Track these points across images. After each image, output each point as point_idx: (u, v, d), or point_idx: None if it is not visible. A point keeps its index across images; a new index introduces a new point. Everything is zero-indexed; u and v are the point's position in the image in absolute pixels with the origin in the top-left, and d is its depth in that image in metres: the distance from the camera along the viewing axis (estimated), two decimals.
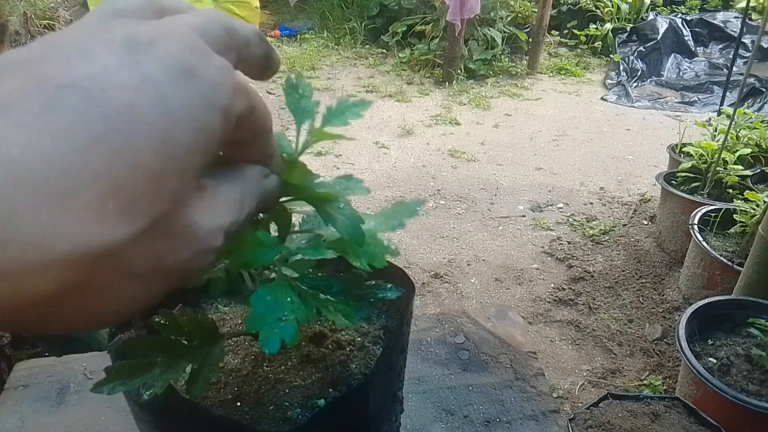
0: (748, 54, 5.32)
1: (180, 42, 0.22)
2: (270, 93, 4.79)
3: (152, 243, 0.21)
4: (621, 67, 5.52)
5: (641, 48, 5.71)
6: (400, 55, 5.64)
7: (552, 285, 2.61)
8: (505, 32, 5.55)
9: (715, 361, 1.76)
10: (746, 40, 5.47)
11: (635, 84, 5.36)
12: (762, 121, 3.16)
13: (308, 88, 0.44)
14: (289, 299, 0.41)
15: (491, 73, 5.42)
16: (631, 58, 5.61)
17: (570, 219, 3.15)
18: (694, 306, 1.89)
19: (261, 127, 0.28)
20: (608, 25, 5.97)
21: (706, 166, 2.78)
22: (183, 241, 0.22)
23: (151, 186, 0.20)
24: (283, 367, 0.55)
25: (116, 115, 0.19)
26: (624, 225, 3.10)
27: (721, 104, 4.08)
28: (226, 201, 0.26)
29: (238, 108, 0.24)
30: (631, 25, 5.99)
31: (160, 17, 0.25)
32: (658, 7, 6.32)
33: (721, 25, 5.92)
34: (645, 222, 3.11)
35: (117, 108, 0.19)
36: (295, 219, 0.45)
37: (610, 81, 5.40)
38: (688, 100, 5.06)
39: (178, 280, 0.23)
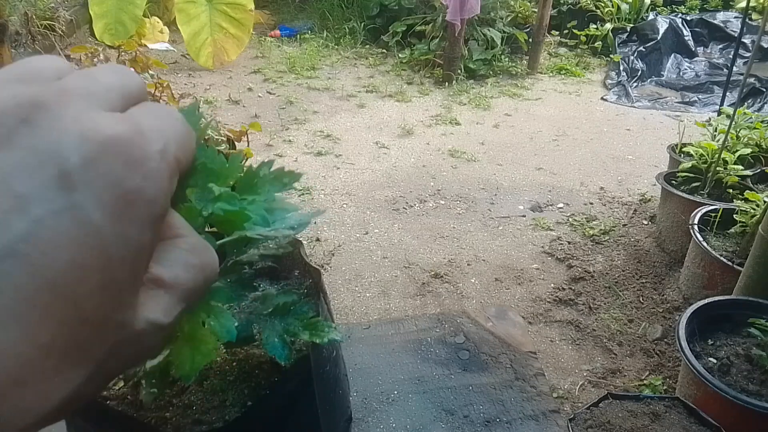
0: (748, 54, 5.32)
1: (114, 156, 0.21)
2: (270, 93, 4.80)
3: (110, 362, 0.21)
4: (621, 67, 5.52)
5: (641, 48, 5.71)
6: (400, 55, 5.64)
7: (552, 285, 2.61)
8: (505, 32, 5.54)
9: (715, 361, 1.76)
10: (746, 40, 5.47)
11: (635, 84, 5.36)
12: (762, 121, 3.16)
13: (198, 116, 0.43)
14: None
15: (491, 73, 5.42)
16: (631, 58, 5.61)
17: (570, 219, 3.15)
18: (694, 306, 1.89)
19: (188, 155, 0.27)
20: (608, 25, 5.97)
21: (706, 166, 2.78)
22: (145, 337, 0.23)
23: (96, 331, 0.20)
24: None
25: (61, 280, 0.19)
26: (624, 225, 3.10)
27: (721, 104, 4.08)
28: (173, 282, 0.25)
29: (171, 191, 0.24)
30: (631, 25, 5.98)
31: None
32: (658, 7, 6.31)
33: (721, 25, 5.92)
34: (645, 222, 3.11)
35: (60, 272, 0.19)
36: None
37: (610, 81, 5.40)
38: (688, 100, 5.06)
39: (146, 356, 0.24)
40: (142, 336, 0.23)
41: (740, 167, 2.74)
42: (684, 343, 1.73)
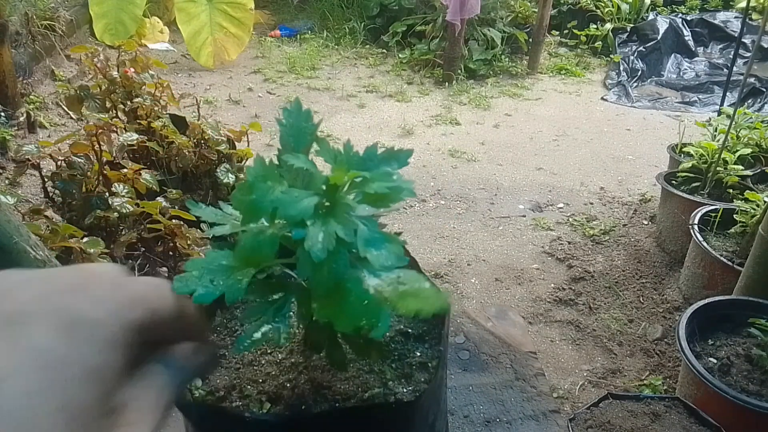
0: (749, 54, 5.32)
1: (61, 288, 0.24)
2: (270, 93, 4.79)
3: None
4: (621, 67, 5.51)
5: (641, 48, 5.71)
6: (400, 55, 5.64)
7: (552, 285, 2.61)
8: (505, 32, 5.54)
9: (715, 361, 1.76)
10: (746, 40, 5.46)
11: (635, 84, 5.36)
12: (762, 121, 3.16)
13: (308, 113, 0.45)
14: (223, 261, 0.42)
15: (491, 73, 5.41)
16: (632, 58, 5.60)
17: (570, 219, 3.15)
18: (695, 306, 1.89)
19: (174, 325, 0.30)
20: (608, 25, 5.97)
21: (706, 166, 2.78)
22: None
23: None
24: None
25: (17, 406, 0.20)
26: (624, 225, 3.10)
27: (722, 104, 4.08)
28: (142, 414, 0.26)
29: (127, 319, 0.25)
30: (632, 25, 5.98)
31: None
32: (659, 7, 6.31)
33: (722, 25, 5.91)
34: (645, 222, 3.11)
35: (16, 398, 0.20)
36: None
37: (610, 81, 5.40)
38: (688, 100, 5.06)
39: None
40: None
41: (740, 167, 2.74)
42: (684, 343, 1.73)
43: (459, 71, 5.21)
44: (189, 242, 1.77)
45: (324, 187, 0.42)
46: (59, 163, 1.96)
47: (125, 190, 1.86)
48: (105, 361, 0.23)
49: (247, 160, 2.46)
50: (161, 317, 0.28)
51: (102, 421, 0.23)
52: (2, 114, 3.34)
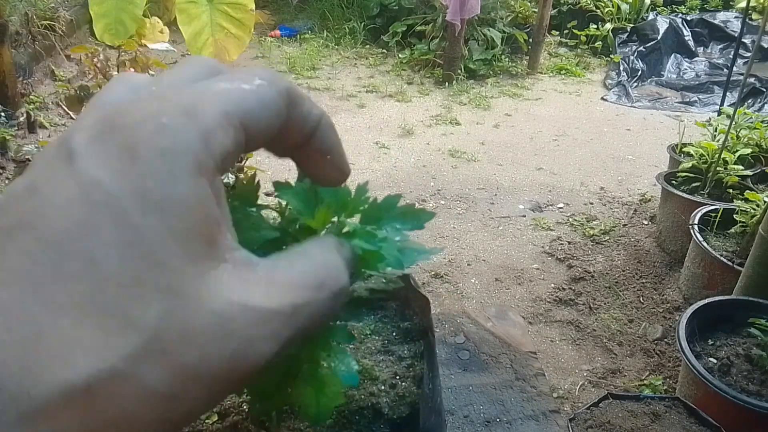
0: (749, 54, 5.32)
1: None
2: None
3: (165, 351, 0.18)
4: (621, 67, 5.51)
5: (641, 48, 5.71)
6: (400, 55, 5.64)
7: (552, 285, 2.61)
8: (505, 32, 5.54)
9: (715, 361, 1.76)
10: (746, 40, 5.46)
11: (635, 84, 5.36)
12: (762, 121, 3.16)
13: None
14: None
15: (491, 73, 5.41)
16: (632, 58, 5.60)
17: (570, 219, 3.15)
18: (695, 306, 1.89)
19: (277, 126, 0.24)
20: (608, 25, 5.97)
21: (706, 166, 2.78)
22: (212, 333, 0.19)
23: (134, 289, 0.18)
24: None
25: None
26: (624, 225, 3.10)
27: (722, 104, 4.08)
28: (288, 279, 0.22)
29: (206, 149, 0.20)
30: (632, 25, 5.98)
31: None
32: (659, 7, 6.31)
33: (722, 25, 5.92)
34: (645, 222, 3.11)
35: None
36: None
37: (610, 81, 5.40)
38: (688, 100, 5.06)
39: (229, 385, 0.20)
40: (210, 331, 0.19)
41: (740, 167, 2.74)
42: (684, 343, 1.73)
43: (459, 71, 5.21)
44: None
45: (297, 227, 0.37)
46: None
47: None
48: (176, 193, 0.19)
49: (246, 159, 2.46)
50: (264, 132, 0.23)
51: (204, 260, 0.19)
52: (2, 114, 3.34)
